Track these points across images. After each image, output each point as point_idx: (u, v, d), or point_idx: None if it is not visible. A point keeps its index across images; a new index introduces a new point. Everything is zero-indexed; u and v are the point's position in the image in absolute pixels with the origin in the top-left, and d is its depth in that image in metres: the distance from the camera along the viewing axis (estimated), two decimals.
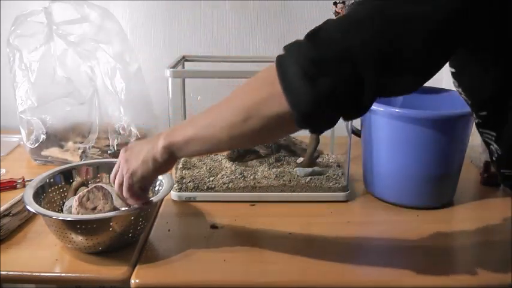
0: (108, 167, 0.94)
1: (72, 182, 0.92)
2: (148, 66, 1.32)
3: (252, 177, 1.02)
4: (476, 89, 0.65)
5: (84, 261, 0.76)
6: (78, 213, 0.79)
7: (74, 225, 0.75)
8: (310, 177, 1.02)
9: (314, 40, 0.57)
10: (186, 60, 1.16)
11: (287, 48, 0.60)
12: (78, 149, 1.16)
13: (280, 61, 0.59)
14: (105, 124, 1.18)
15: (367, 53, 0.54)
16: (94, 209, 0.80)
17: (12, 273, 0.74)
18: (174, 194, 0.99)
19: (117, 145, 1.18)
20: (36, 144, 1.14)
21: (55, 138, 1.18)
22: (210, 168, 1.07)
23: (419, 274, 0.76)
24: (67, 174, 0.92)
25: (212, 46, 1.40)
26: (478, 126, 0.69)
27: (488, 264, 0.78)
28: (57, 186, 0.89)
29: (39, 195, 0.84)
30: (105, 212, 0.79)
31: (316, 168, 1.05)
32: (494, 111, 0.64)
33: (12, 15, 1.15)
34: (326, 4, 1.36)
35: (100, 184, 0.86)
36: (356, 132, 1.06)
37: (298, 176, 1.02)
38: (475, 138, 1.19)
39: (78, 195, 0.82)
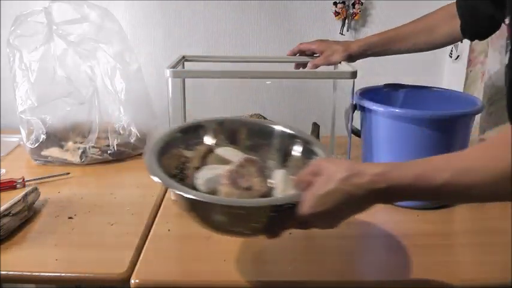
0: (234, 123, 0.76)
1: (196, 146, 0.71)
2: (148, 66, 1.33)
3: None
4: None
5: (84, 261, 0.76)
6: (231, 195, 0.62)
7: (229, 210, 0.58)
8: None
9: None
10: (186, 60, 1.16)
11: None
12: (78, 148, 1.16)
13: None
14: (105, 124, 1.18)
15: None
16: (248, 188, 0.62)
17: (12, 273, 0.74)
18: (174, 194, 0.99)
19: (117, 145, 1.18)
20: (36, 144, 1.14)
21: (55, 138, 1.18)
22: None
23: (419, 274, 0.76)
24: (189, 134, 0.72)
25: (212, 46, 1.40)
26: None
27: (488, 264, 0.78)
28: (173, 151, 0.70)
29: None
30: (263, 193, 0.62)
31: None
32: None
33: (12, 15, 1.15)
34: (326, 4, 1.37)
35: (250, 156, 0.68)
36: (356, 132, 1.06)
37: None
38: (475, 138, 1.19)
39: (226, 170, 0.63)
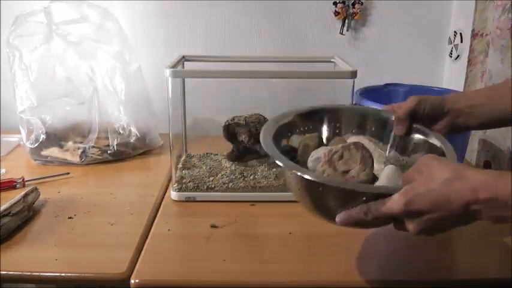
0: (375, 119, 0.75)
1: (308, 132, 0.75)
2: (148, 66, 1.32)
3: (251, 177, 1.02)
4: None
5: (84, 261, 0.76)
6: (323, 172, 0.62)
7: (314, 187, 0.58)
8: None
9: None
10: (186, 60, 1.16)
11: None
12: (78, 148, 1.16)
13: None
14: (105, 124, 1.19)
15: None
16: (345, 172, 0.62)
17: (12, 273, 0.74)
18: (174, 194, 0.99)
19: (117, 145, 1.18)
20: (36, 144, 1.14)
21: (55, 138, 1.18)
22: (210, 168, 1.07)
23: (419, 274, 0.76)
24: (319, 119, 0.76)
25: (212, 46, 1.40)
26: None
27: (488, 265, 0.78)
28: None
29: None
30: (358, 182, 0.62)
31: None
32: None
33: (12, 15, 1.15)
34: (326, 4, 1.37)
35: (362, 142, 0.67)
36: None
37: None
38: (474, 138, 1.19)
39: (329, 148, 0.64)
